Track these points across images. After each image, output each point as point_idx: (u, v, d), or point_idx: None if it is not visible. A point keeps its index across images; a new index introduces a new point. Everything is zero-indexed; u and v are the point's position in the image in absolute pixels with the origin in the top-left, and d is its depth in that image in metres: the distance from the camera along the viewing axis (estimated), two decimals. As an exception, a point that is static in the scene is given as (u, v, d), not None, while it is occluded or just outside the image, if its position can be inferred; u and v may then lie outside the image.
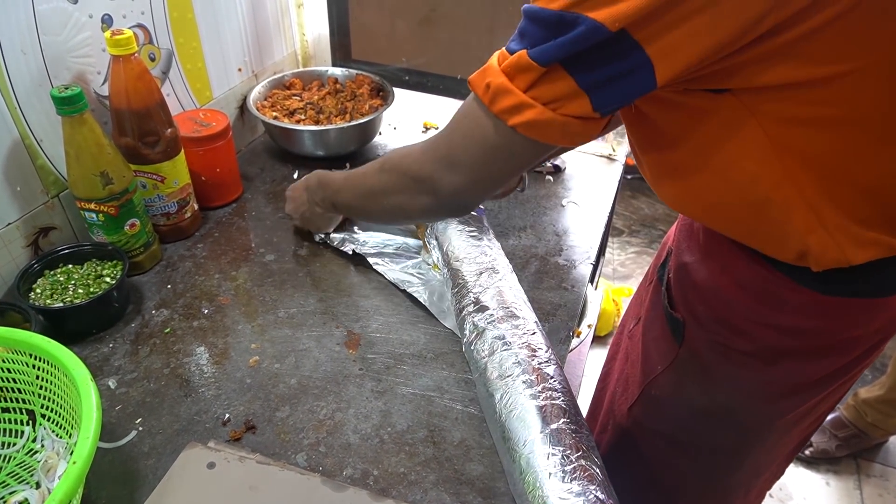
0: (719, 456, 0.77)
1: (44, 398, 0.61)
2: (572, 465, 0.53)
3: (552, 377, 0.61)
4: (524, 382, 0.60)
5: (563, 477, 0.52)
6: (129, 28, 0.82)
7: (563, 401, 0.59)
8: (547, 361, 0.63)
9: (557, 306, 0.81)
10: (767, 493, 0.90)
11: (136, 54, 0.76)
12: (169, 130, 0.82)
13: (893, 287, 0.59)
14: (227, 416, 0.66)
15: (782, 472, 0.87)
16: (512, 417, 0.58)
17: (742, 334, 0.65)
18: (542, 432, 0.56)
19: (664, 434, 0.80)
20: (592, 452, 0.55)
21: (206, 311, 0.79)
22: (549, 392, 0.59)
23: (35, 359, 0.60)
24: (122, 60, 0.75)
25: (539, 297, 0.82)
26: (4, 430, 0.63)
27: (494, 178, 0.59)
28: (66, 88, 0.69)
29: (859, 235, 0.53)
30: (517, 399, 0.59)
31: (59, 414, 0.60)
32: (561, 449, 0.54)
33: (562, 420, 0.57)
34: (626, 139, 1.12)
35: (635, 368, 0.83)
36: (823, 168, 0.50)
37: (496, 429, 0.61)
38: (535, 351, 0.64)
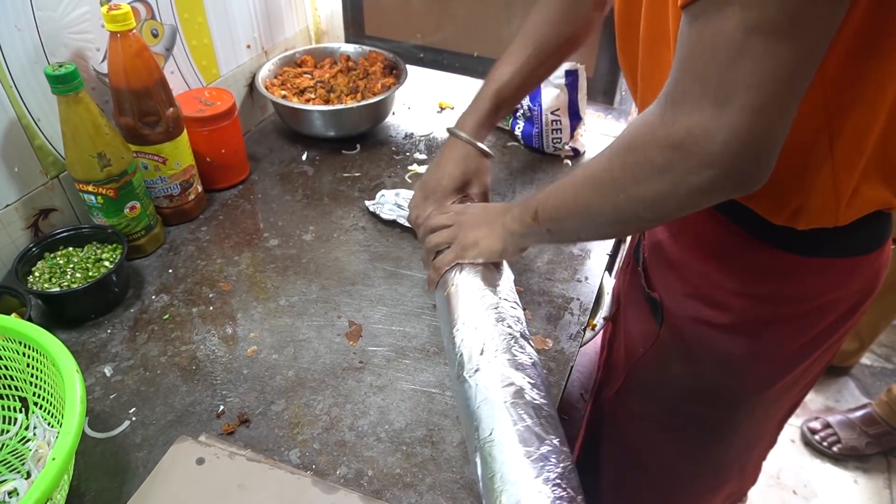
0: (708, 435, 0.76)
1: (35, 386, 0.60)
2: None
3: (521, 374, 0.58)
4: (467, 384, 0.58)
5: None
6: (130, 3, 0.80)
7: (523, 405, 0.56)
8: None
9: (570, 300, 0.77)
10: (792, 491, 0.88)
11: (134, 30, 0.73)
12: (170, 110, 0.80)
13: (874, 244, 0.58)
14: (222, 407, 0.64)
15: (775, 441, 0.85)
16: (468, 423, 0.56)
17: (720, 307, 0.63)
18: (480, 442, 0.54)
19: (651, 417, 0.79)
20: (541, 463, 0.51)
21: (207, 297, 0.77)
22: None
23: (25, 346, 0.58)
24: (120, 37, 0.72)
25: (550, 289, 0.79)
26: (-3, 416, 0.62)
27: (785, 91, 0.39)
28: (61, 66, 0.67)
29: (859, 191, 0.51)
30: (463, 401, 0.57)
31: (51, 403, 0.59)
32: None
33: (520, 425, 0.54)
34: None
35: (619, 353, 0.82)
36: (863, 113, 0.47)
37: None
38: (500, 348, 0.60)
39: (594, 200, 0.53)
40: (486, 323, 0.62)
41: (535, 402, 0.55)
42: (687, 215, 0.51)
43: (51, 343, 0.55)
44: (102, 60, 0.80)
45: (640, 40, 0.56)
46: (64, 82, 0.67)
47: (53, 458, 0.47)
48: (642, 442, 0.82)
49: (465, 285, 0.66)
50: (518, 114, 1.04)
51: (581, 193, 0.54)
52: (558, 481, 0.49)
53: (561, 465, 0.51)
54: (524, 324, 0.65)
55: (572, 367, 0.70)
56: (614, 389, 0.81)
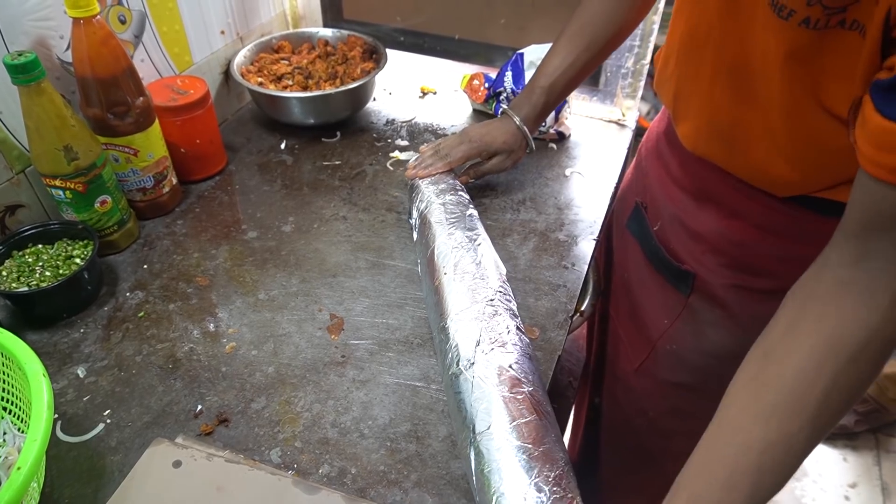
0: None
1: (4, 391, 0.58)
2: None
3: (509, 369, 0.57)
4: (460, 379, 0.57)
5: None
6: (93, -12, 0.76)
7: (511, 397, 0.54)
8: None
9: (556, 287, 0.76)
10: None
11: (98, 16, 0.70)
12: (140, 100, 0.77)
13: None
14: (200, 407, 0.62)
15: None
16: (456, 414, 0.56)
17: (762, 274, 0.63)
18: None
19: (687, 385, 0.77)
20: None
21: (184, 292, 0.74)
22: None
23: (-10, 350, 0.56)
24: (83, 23, 0.69)
25: (536, 276, 0.77)
26: (-35, 423, 0.60)
27: None
28: (20, 55, 0.64)
29: None
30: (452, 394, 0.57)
31: (20, 408, 0.57)
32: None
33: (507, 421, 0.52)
34: (636, 102, 1.04)
35: (630, 328, 0.80)
36: None
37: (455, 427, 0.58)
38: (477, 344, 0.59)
39: (795, 455, 0.47)
40: (481, 315, 0.60)
41: (535, 397, 0.54)
42: (721, 189, 0.58)
43: (16, 346, 0.53)
44: (67, 49, 0.76)
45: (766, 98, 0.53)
46: (24, 72, 0.64)
47: (18, 468, 0.45)
48: (677, 409, 0.80)
49: (458, 276, 0.65)
50: (502, 97, 1.01)
51: (772, 469, 0.46)
52: (557, 482, 0.48)
53: (560, 464, 0.49)
54: (519, 318, 0.63)
55: (560, 356, 0.68)
56: (636, 363, 0.80)
